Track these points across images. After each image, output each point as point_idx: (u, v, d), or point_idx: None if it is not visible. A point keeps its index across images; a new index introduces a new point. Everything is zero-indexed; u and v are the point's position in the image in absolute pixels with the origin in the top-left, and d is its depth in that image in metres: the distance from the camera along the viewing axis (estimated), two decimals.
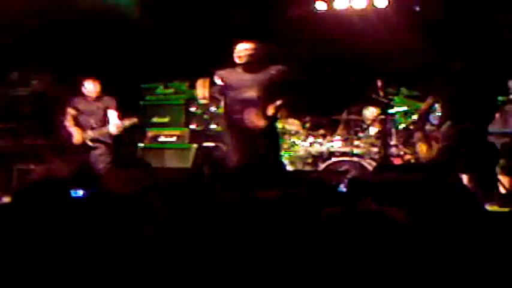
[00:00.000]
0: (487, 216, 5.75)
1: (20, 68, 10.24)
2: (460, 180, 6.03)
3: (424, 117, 8.06)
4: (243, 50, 7.20)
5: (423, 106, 8.28)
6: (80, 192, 7.74)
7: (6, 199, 7.08)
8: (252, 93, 7.18)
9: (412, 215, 4.82)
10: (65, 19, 10.58)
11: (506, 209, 7.13)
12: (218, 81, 7.24)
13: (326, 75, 11.34)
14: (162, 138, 10.28)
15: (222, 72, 7.25)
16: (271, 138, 7.32)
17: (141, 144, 10.26)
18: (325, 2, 11.81)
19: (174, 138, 10.24)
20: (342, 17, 11.62)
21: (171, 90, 10.59)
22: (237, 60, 7.21)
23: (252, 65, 7.26)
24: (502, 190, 7.76)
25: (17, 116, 9.68)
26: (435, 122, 8.08)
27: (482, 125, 7.45)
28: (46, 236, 4.38)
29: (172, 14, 11.04)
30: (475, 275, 3.48)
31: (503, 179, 7.86)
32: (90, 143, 8.61)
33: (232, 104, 7.31)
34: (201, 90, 7.30)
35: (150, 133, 10.26)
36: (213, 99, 7.51)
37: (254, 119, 7.16)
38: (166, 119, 10.46)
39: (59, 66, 10.00)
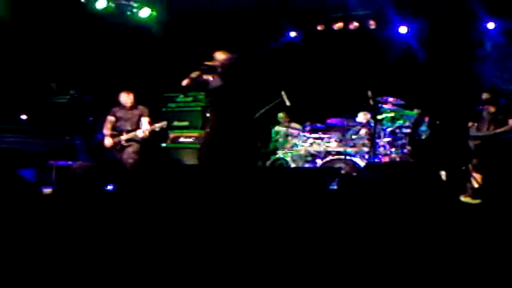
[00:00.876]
0: (461, 206, 5.79)
1: (59, 79, 10.29)
2: (439, 175, 6.01)
3: (415, 128, 8.11)
4: (217, 59, 6.96)
5: (414, 119, 8.32)
6: (110, 187, 7.82)
7: (47, 190, 7.11)
8: (221, 96, 6.94)
9: (397, 206, 4.85)
10: (100, 40, 10.73)
11: (477, 201, 7.19)
12: (208, 78, 7.10)
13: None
14: (181, 139, 10.37)
15: (210, 76, 7.07)
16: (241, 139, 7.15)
17: (164, 144, 10.34)
18: (324, 24, 11.91)
19: (192, 139, 10.34)
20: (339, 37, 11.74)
21: (190, 98, 10.71)
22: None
23: (224, 72, 6.97)
24: (475, 185, 7.75)
25: (56, 120, 9.70)
26: (423, 128, 8.09)
27: (460, 131, 7.47)
28: (82, 222, 4.41)
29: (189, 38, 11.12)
30: (449, 258, 3.58)
31: (476, 176, 7.88)
32: (125, 143, 8.77)
33: (211, 105, 7.18)
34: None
35: (172, 135, 10.38)
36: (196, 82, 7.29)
37: None
38: (185, 123, 10.58)
39: (94, 78, 10.06)
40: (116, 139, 8.77)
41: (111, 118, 8.92)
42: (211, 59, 6.91)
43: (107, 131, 8.84)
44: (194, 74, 6.90)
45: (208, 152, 6.86)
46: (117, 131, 8.83)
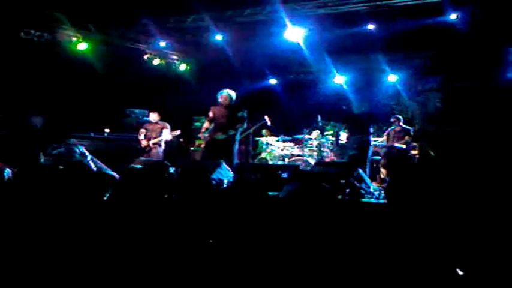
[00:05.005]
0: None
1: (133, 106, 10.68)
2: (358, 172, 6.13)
3: (336, 137, 8.27)
4: (222, 95, 7.32)
5: (336, 132, 8.51)
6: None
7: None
8: (223, 120, 7.26)
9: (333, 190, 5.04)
10: (155, 82, 10.92)
11: (383, 185, 7.38)
12: (215, 108, 7.39)
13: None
14: (202, 146, 10.45)
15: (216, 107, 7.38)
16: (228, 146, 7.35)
17: (192, 148, 10.49)
18: (293, 75, 11.99)
19: None
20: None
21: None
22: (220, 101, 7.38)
23: (226, 104, 7.31)
24: (382, 176, 7.87)
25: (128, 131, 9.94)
26: (342, 139, 8.21)
27: (367, 140, 7.68)
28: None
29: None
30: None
31: (383, 170, 8.03)
32: (151, 146, 8.94)
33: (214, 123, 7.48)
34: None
35: (197, 142, 10.47)
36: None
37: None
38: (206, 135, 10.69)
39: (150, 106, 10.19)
40: (146, 143, 8.96)
41: (142, 130, 9.16)
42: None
43: (140, 137, 9.06)
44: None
45: (206, 152, 7.41)
46: (146, 138, 9.02)
